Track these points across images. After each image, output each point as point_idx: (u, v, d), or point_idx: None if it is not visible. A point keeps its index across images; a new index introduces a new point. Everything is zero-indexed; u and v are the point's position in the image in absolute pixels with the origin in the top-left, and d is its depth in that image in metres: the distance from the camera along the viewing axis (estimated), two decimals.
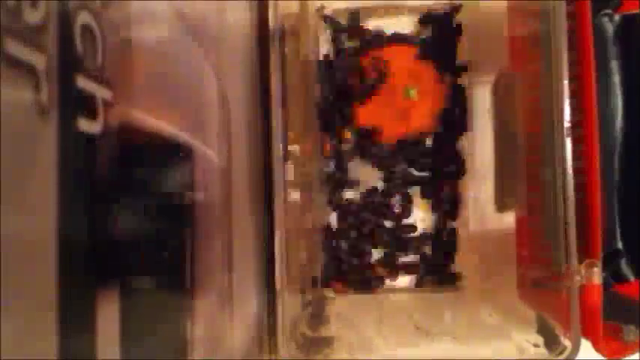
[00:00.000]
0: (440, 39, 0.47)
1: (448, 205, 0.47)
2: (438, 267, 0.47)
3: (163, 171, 0.24)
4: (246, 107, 0.38)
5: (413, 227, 0.47)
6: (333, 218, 0.47)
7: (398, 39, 0.47)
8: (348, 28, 0.47)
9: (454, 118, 0.46)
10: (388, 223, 0.47)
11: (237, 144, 0.35)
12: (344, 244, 0.47)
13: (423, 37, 0.47)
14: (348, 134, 0.47)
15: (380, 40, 0.47)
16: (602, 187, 0.34)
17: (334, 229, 0.47)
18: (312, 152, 0.45)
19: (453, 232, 0.47)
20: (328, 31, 0.48)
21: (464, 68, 0.46)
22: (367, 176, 0.47)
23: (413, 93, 0.44)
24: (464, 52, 0.47)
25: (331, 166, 0.47)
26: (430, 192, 0.47)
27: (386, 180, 0.47)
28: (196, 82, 0.29)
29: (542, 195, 0.36)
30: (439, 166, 0.47)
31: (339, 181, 0.47)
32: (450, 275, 0.47)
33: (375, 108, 0.46)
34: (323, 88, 0.47)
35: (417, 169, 0.47)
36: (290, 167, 0.37)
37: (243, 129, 0.37)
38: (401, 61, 0.46)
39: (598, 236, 0.33)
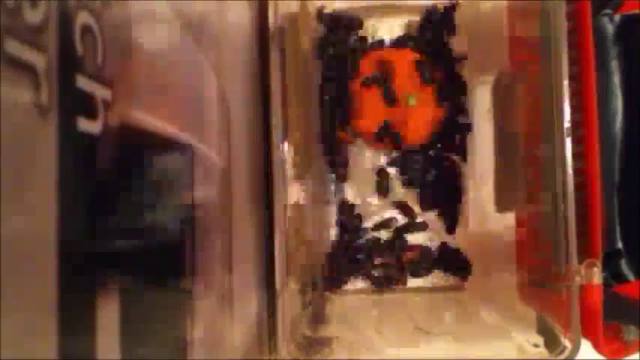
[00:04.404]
0: (438, 39, 0.47)
1: (447, 222, 0.47)
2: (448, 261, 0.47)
3: (163, 171, 0.24)
4: (246, 107, 0.38)
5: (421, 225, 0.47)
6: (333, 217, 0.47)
7: (399, 42, 0.47)
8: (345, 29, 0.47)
9: (454, 130, 0.47)
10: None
11: (237, 144, 0.35)
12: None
13: (424, 38, 0.47)
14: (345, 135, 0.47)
15: (381, 43, 0.47)
16: (602, 187, 0.34)
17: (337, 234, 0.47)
18: (311, 153, 0.45)
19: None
20: (327, 31, 0.48)
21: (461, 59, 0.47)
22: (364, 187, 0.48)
23: (412, 99, 0.44)
24: (464, 52, 0.47)
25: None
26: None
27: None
28: (196, 82, 0.29)
29: (542, 195, 0.36)
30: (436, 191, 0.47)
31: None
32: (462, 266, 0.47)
33: (374, 112, 0.45)
34: (322, 88, 0.47)
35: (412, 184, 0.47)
36: (290, 167, 0.37)
37: (244, 129, 0.37)
38: (402, 66, 0.45)
39: (598, 236, 0.33)
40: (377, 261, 0.47)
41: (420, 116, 0.45)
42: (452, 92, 0.46)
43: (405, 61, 0.45)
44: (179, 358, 0.25)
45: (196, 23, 0.29)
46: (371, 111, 0.45)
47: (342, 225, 0.47)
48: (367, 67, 0.46)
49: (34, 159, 0.14)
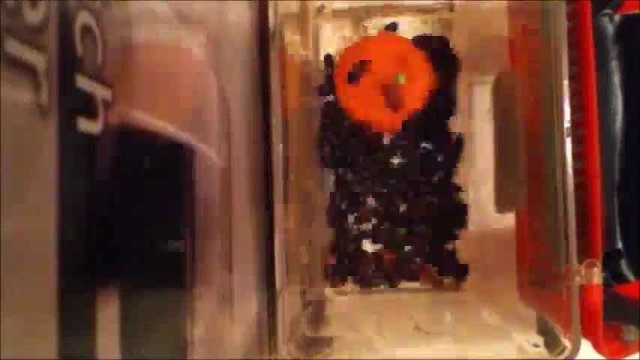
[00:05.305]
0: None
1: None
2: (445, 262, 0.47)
3: (163, 171, 0.24)
4: (246, 107, 0.38)
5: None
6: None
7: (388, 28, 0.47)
8: None
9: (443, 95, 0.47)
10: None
11: (237, 144, 0.35)
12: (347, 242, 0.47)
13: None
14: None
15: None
16: (602, 187, 0.34)
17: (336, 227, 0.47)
18: (311, 153, 0.45)
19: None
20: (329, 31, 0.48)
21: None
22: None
23: (402, 78, 0.44)
24: (464, 52, 0.47)
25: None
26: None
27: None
28: (196, 82, 0.29)
29: (542, 195, 0.36)
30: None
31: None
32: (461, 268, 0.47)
33: (367, 99, 0.45)
34: (323, 89, 0.47)
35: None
36: (290, 167, 0.37)
37: (243, 129, 0.37)
38: (388, 49, 0.45)
39: (598, 236, 0.33)
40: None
41: (412, 91, 0.44)
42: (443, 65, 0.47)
43: (390, 46, 0.45)
44: (179, 358, 0.25)
45: (196, 23, 0.29)
46: (361, 94, 0.45)
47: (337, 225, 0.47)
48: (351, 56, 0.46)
49: (34, 159, 0.14)
